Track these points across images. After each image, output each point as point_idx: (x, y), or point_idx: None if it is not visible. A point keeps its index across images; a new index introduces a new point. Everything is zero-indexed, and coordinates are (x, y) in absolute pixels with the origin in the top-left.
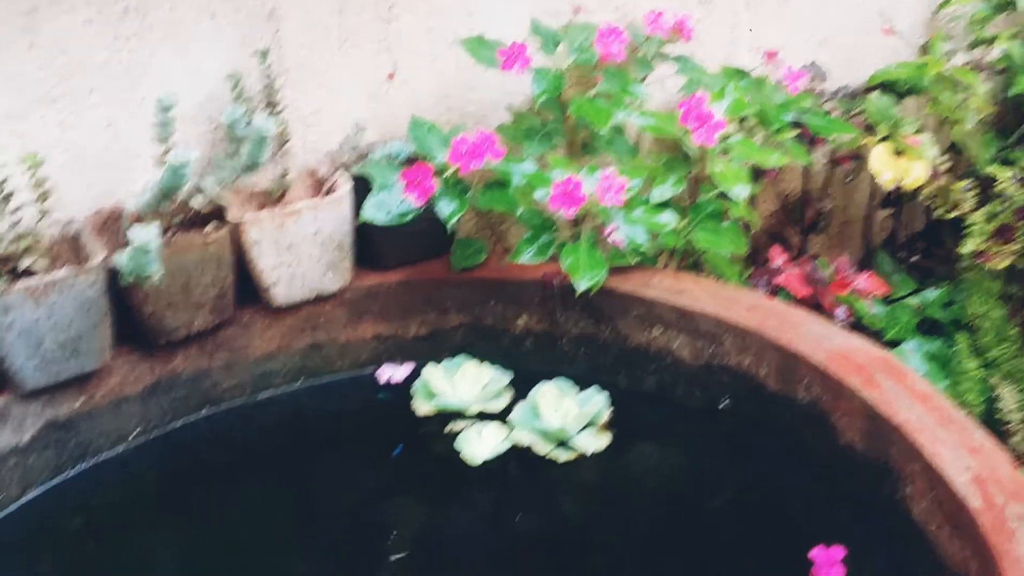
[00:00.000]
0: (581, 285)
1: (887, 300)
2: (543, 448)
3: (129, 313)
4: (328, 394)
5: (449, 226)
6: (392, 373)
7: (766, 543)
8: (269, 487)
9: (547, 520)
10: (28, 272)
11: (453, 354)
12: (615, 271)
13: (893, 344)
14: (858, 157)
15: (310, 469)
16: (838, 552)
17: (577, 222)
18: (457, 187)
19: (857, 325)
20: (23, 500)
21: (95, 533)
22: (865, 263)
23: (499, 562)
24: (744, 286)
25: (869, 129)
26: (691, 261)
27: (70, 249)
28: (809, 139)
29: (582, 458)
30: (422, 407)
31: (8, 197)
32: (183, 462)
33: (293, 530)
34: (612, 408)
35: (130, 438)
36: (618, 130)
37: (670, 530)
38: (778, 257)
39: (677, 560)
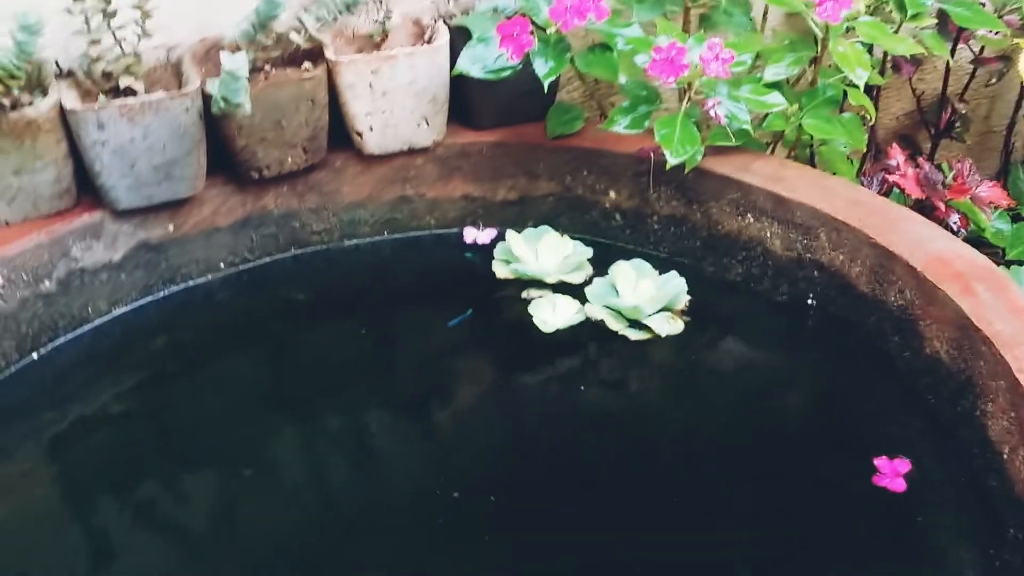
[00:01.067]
0: (672, 158)
1: (1016, 218)
2: (615, 325)
3: (223, 146)
4: (413, 248)
5: (545, 85)
6: (478, 235)
7: (833, 445)
8: (346, 330)
9: (610, 392)
10: (127, 92)
11: (539, 223)
12: (715, 152)
13: (1013, 264)
14: (1006, 59)
15: (387, 318)
16: (903, 465)
17: (680, 97)
18: (557, 46)
19: (977, 241)
20: (111, 315)
21: (177, 353)
22: (1002, 179)
23: (559, 427)
24: (852, 182)
25: (1023, 29)
26: (805, 153)
27: (171, 75)
28: (955, 34)
29: (654, 339)
30: (501, 271)
31: (113, 13)
32: (267, 298)
33: (363, 373)
34: (692, 295)
35: (218, 269)
36: (739, 3)
37: (734, 420)
38: (897, 155)
39: (737, 449)
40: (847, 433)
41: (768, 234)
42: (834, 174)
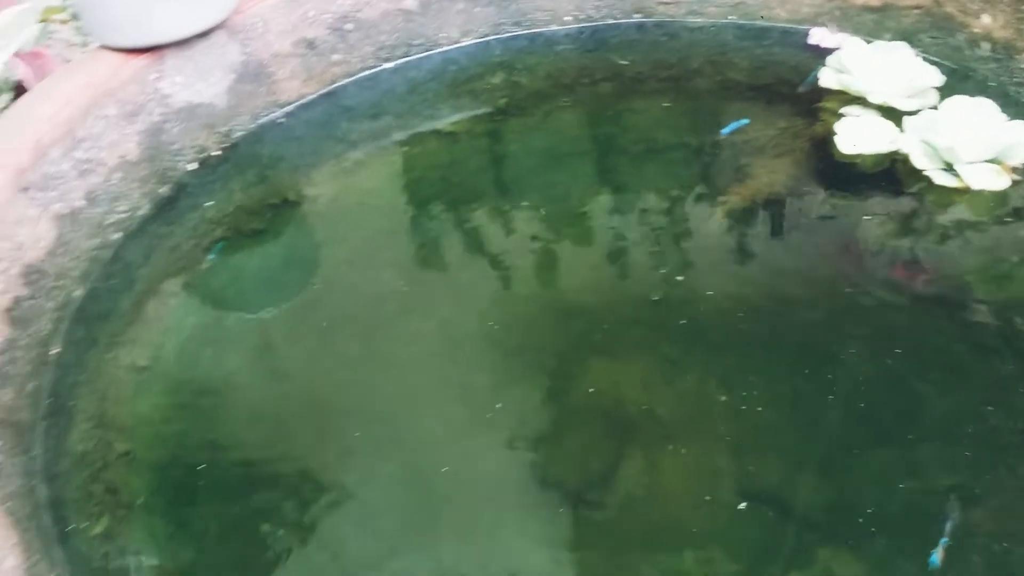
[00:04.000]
0: None
1: None
2: (924, 163)
3: None
4: (755, 38)
5: None
6: (825, 37)
7: None
8: (656, 104)
9: (881, 231)
10: None
11: (896, 37)
12: None
13: None
14: None
15: (702, 102)
16: None
17: None
18: None
19: None
20: (459, 45)
21: (511, 92)
22: None
23: (806, 253)
24: None
25: None
26: None
27: None
28: None
29: (961, 192)
30: (829, 80)
31: None
32: (601, 58)
33: (660, 150)
34: None
35: (563, 21)
36: None
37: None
38: None
39: (1010, 331)
40: None
41: None
42: None
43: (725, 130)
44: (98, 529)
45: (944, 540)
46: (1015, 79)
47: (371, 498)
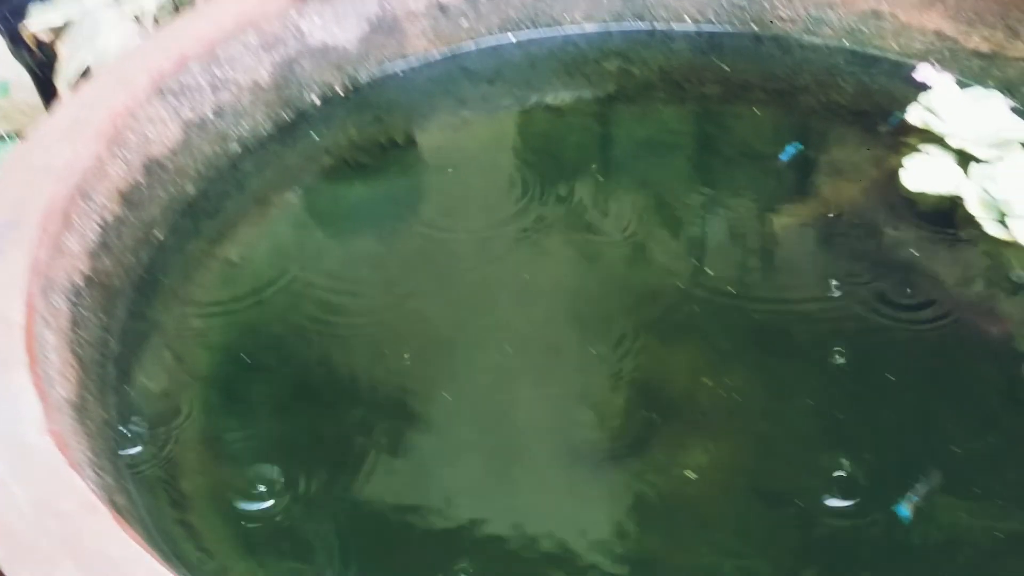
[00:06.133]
0: None
1: None
2: (978, 211)
3: None
4: (862, 64)
5: None
6: (929, 76)
7: None
8: (759, 110)
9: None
10: None
11: (1002, 86)
12: None
13: None
14: None
15: (789, 120)
16: None
17: None
18: None
19: None
20: (580, 29)
21: (621, 81)
22: None
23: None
24: None
25: None
26: None
27: None
28: None
29: (1005, 244)
30: (915, 116)
31: None
32: (710, 64)
33: (724, 165)
34: None
35: (683, 20)
36: None
37: None
38: None
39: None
40: None
41: None
42: None
43: (784, 155)
44: (156, 387)
45: (913, 497)
46: None
47: (415, 415)
